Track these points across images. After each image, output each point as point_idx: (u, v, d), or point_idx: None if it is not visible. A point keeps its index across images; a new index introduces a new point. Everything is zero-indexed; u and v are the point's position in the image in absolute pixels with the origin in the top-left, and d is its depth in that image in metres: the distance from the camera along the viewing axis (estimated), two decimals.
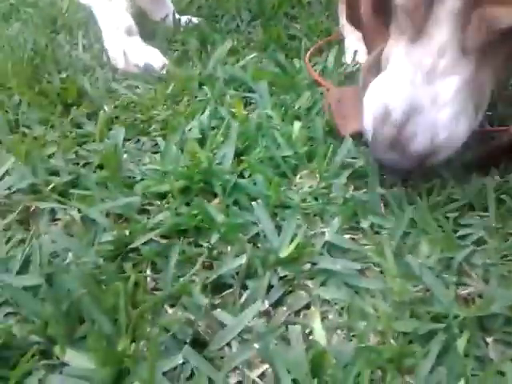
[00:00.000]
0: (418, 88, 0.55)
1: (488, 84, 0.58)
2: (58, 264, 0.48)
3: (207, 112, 0.78)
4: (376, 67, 0.64)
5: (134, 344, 0.43)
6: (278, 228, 0.56)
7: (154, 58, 0.97)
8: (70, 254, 0.51)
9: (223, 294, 0.50)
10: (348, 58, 1.00)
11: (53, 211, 0.60)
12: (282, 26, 1.13)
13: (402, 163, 0.57)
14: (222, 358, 0.43)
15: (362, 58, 0.94)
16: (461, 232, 0.54)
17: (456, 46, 0.54)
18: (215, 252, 0.54)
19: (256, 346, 0.42)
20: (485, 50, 0.54)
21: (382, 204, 0.60)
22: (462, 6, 0.51)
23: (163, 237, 0.55)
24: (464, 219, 0.56)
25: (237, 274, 0.51)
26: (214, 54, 1.00)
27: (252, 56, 0.99)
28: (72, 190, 0.61)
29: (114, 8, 1.05)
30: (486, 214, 0.57)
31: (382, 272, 0.51)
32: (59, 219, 0.59)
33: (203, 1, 1.37)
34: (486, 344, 0.44)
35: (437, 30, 0.54)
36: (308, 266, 0.52)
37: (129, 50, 0.97)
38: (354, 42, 1.04)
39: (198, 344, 0.44)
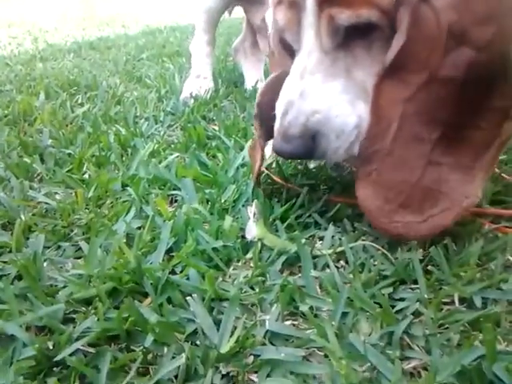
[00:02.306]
0: (292, 86, 0.67)
1: (365, 78, 0.66)
2: None
3: (132, 212, 0.77)
4: (272, 90, 0.74)
5: None
6: (217, 322, 0.54)
7: None
8: None
9: None
10: (248, 84, 1.59)
11: None
12: (201, 127, 1.17)
13: (291, 150, 0.66)
14: None
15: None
16: (397, 307, 0.55)
17: (318, 47, 0.66)
18: (150, 356, 0.50)
19: None
20: (343, 47, 0.65)
21: (317, 286, 0.60)
22: (315, 12, 0.64)
23: (91, 345, 0.51)
24: (397, 293, 0.57)
25: (175, 377, 0.47)
26: (136, 156, 1.00)
27: (174, 156, 1.01)
28: None
29: None
30: (417, 286, 0.58)
31: (326, 356, 0.50)
32: None
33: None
34: None
35: (305, 38, 0.67)
36: (251, 358, 0.50)
37: None
38: (249, 69, 1.66)
39: None
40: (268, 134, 0.74)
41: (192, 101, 1.47)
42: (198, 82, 1.58)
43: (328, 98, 0.65)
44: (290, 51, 0.74)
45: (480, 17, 0.58)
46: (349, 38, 0.65)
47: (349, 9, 0.61)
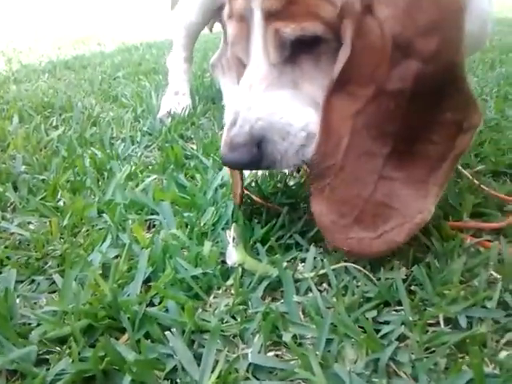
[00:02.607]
0: (240, 98, 0.67)
1: (314, 90, 0.65)
2: None
3: (108, 241, 0.75)
4: None
5: None
6: (198, 357, 0.52)
7: None
8: None
9: None
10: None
11: None
12: (178, 147, 1.15)
13: (237, 159, 0.65)
14: None
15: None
16: (382, 331, 0.54)
17: (266, 61, 0.66)
18: None
19: None
20: (291, 60, 0.65)
21: (300, 312, 0.58)
22: (262, 26, 0.64)
23: None
24: (382, 316, 0.56)
25: None
26: (112, 180, 0.98)
27: (152, 179, 0.99)
28: None
29: None
30: (402, 308, 0.57)
31: None
32: None
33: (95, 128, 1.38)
34: None
35: (253, 52, 0.67)
36: None
37: None
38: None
39: None
40: None
41: (169, 119, 1.45)
42: (177, 98, 1.57)
43: (272, 105, 0.65)
44: (243, 65, 0.74)
45: (424, 28, 0.58)
46: (296, 52, 0.64)
47: (293, 22, 0.61)
